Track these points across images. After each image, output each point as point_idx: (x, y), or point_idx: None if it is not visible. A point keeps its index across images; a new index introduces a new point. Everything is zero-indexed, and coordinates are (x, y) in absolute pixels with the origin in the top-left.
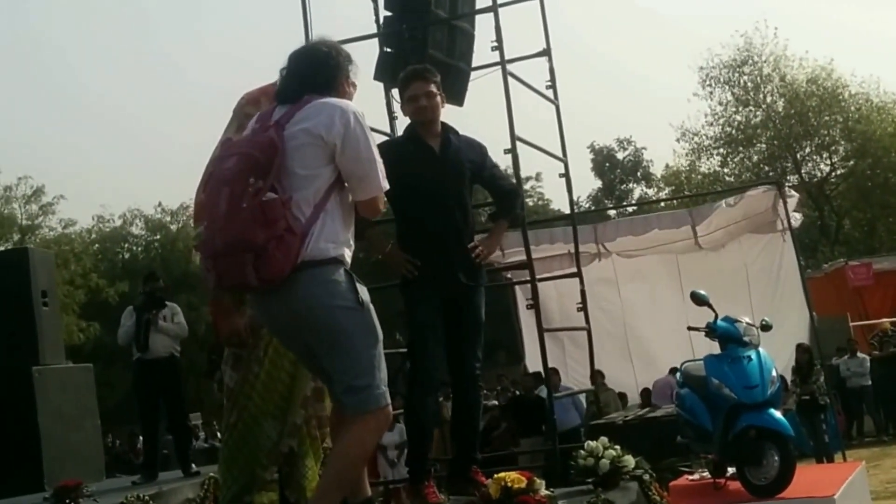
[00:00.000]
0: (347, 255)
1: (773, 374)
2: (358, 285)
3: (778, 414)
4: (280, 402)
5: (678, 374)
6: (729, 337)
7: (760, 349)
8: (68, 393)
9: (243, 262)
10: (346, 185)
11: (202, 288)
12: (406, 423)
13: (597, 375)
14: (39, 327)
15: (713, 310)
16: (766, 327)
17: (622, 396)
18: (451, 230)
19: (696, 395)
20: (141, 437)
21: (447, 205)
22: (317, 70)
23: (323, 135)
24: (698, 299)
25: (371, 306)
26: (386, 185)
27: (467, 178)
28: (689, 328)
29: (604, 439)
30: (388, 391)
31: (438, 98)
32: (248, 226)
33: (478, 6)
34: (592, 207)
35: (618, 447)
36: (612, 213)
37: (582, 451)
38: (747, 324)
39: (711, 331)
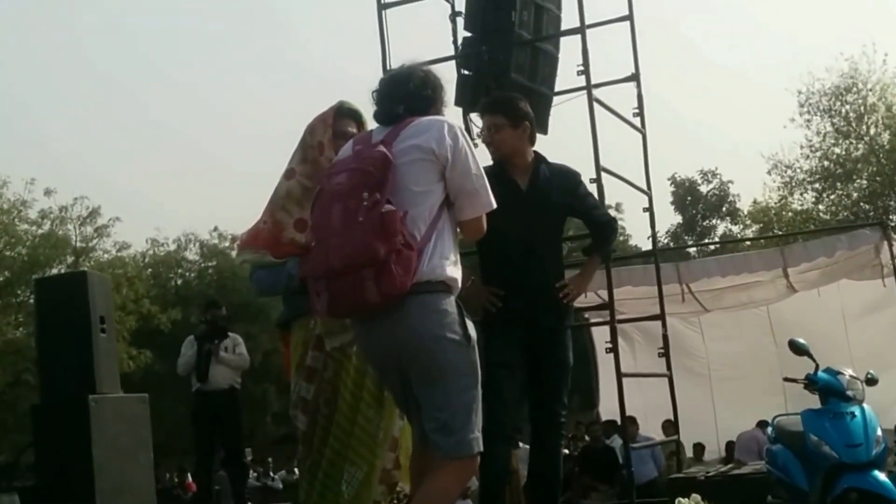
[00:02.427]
0: (459, 277)
1: (879, 432)
2: (466, 319)
3: (883, 476)
4: (358, 446)
5: (770, 429)
6: (831, 390)
7: (865, 405)
8: (124, 424)
9: (363, 278)
10: (454, 204)
11: (262, 317)
12: (479, 473)
13: (668, 426)
14: (96, 354)
15: (814, 360)
16: (871, 381)
17: (699, 447)
18: (536, 272)
19: (791, 453)
20: (190, 473)
21: (533, 245)
22: (416, 92)
23: (434, 149)
24: (798, 348)
25: (476, 344)
26: (494, 203)
27: (556, 214)
28: (786, 379)
29: (696, 497)
30: (481, 437)
31: (507, 131)
32: (368, 239)
33: (563, 27)
34: (671, 244)
35: None
36: (691, 250)
37: None
38: (851, 377)
39: (811, 383)
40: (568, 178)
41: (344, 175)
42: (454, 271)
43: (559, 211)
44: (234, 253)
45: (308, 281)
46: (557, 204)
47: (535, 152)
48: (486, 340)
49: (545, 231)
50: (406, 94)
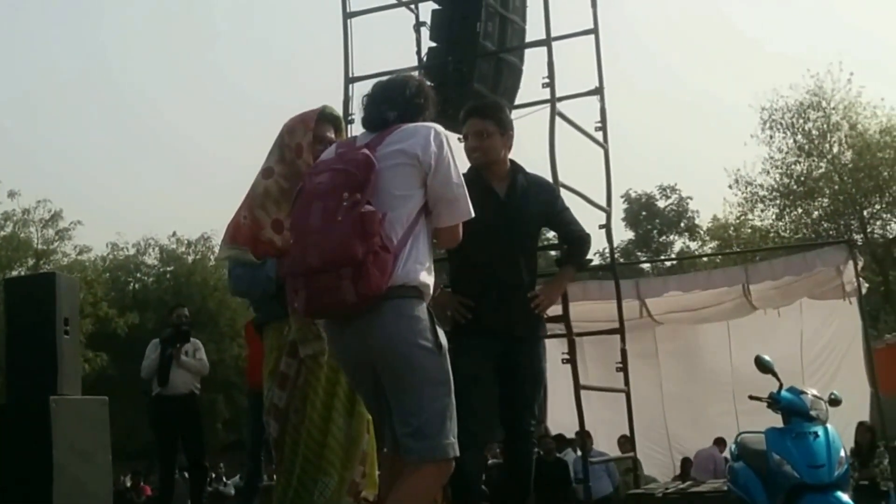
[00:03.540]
0: (432, 283)
1: (842, 453)
2: (437, 328)
3: (845, 497)
4: (331, 456)
5: (733, 446)
6: (793, 410)
7: (829, 426)
8: (84, 426)
9: (340, 277)
10: (432, 211)
11: (211, 326)
12: (450, 483)
13: (624, 441)
14: (60, 356)
15: (778, 378)
16: (834, 402)
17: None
18: (510, 280)
19: (753, 471)
20: (142, 476)
21: (509, 253)
22: (408, 100)
23: (419, 154)
24: (763, 366)
25: (447, 352)
26: (473, 213)
27: (533, 223)
28: (751, 397)
29: None
30: (456, 443)
31: (496, 138)
32: (347, 239)
33: (528, 39)
34: (622, 260)
35: None
36: (645, 266)
37: None
38: (814, 396)
39: (775, 401)
40: (545, 190)
41: (326, 175)
42: (428, 277)
43: (535, 221)
44: (192, 256)
45: (286, 279)
46: (534, 214)
47: (510, 161)
48: (457, 350)
49: (521, 239)
50: (401, 101)
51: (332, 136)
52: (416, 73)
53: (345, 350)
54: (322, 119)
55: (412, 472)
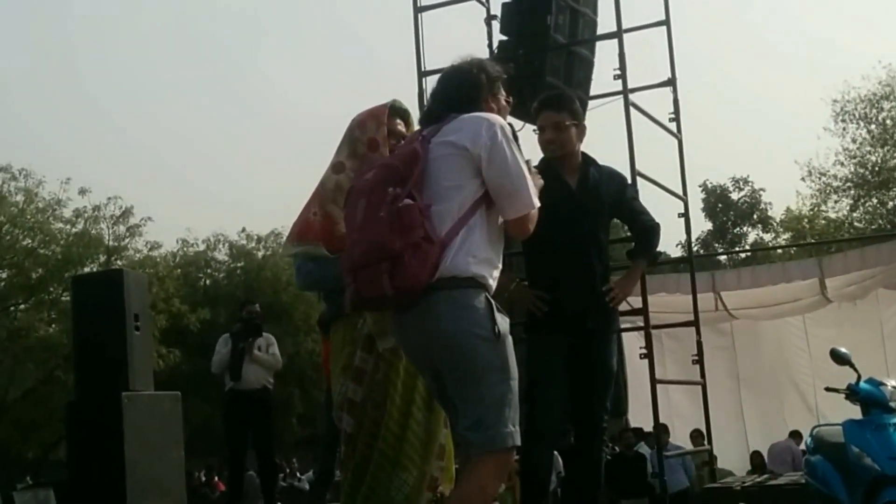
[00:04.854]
0: (490, 275)
1: None
2: (497, 314)
3: None
4: (410, 451)
5: (808, 439)
6: (873, 401)
7: None
8: (156, 421)
9: (380, 271)
10: (495, 203)
11: (285, 319)
12: (521, 477)
13: (697, 435)
14: (130, 352)
15: (856, 370)
16: None
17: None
18: (584, 273)
19: (831, 464)
20: (216, 471)
21: (581, 246)
22: (458, 88)
23: (468, 146)
24: (839, 358)
25: (509, 339)
26: (538, 203)
27: (606, 215)
28: (828, 389)
29: None
30: (518, 432)
31: (572, 130)
32: (384, 233)
33: (599, 31)
34: (701, 251)
35: None
36: (722, 258)
37: None
38: (894, 387)
39: (853, 393)
40: (615, 180)
41: (373, 172)
42: (482, 269)
43: (607, 212)
44: (262, 252)
45: (342, 276)
46: (606, 205)
47: (582, 153)
48: (531, 343)
49: (594, 232)
50: (445, 94)
51: (403, 129)
52: (470, 60)
53: (406, 344)
54: (392, 113)
55: (474, 465)
